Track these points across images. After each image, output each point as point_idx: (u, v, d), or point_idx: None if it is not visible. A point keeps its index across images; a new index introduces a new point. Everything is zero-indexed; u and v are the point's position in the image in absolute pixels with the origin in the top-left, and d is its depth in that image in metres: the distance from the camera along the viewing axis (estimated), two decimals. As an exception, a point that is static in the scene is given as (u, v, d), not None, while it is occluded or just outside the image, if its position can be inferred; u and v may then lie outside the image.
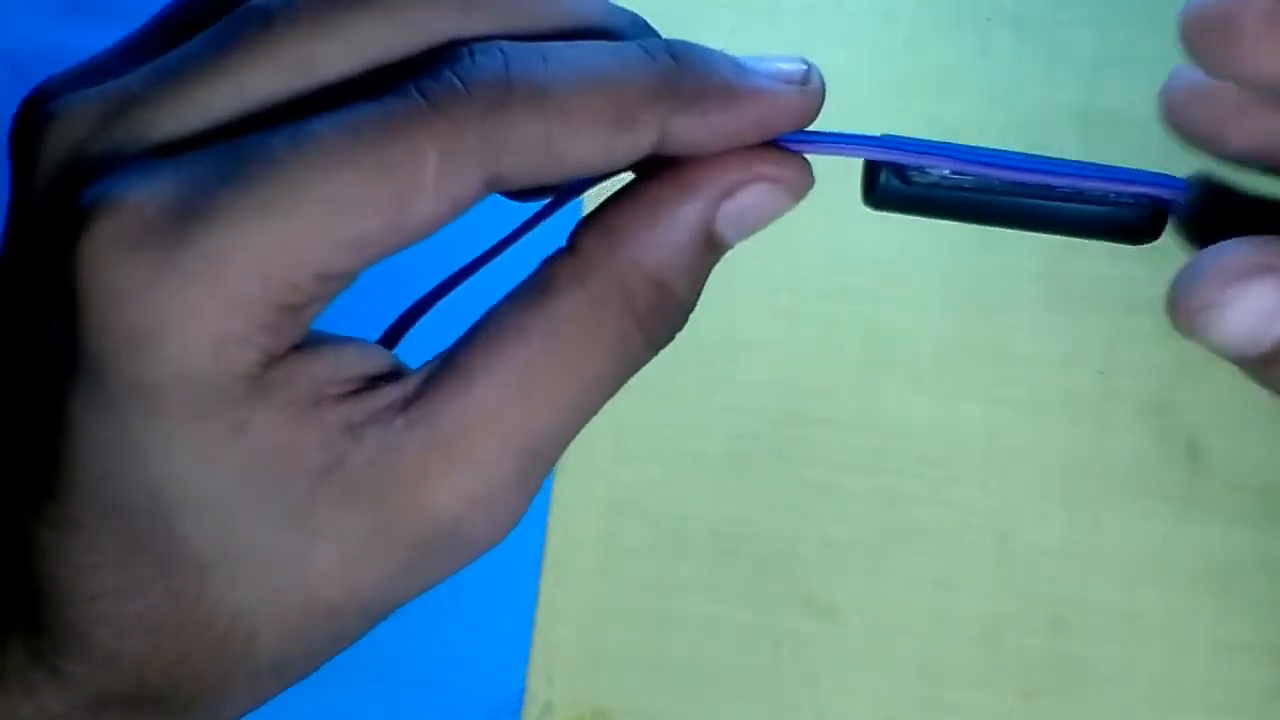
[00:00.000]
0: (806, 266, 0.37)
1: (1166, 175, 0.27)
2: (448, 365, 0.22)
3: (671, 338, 0.23)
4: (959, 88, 0.37)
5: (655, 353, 0.23)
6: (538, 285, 0.22)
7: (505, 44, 0.21)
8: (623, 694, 0.37)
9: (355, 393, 0.22)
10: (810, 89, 0.23)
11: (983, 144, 0.37)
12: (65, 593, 0.23)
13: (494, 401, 0.22)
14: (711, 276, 0.38)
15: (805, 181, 0.24)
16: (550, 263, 0.22)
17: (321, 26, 0.21)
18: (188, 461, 0.22)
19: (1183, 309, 0.21)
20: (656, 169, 0.22)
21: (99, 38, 0.38)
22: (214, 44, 0.22)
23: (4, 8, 0.38)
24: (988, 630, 0.38)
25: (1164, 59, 0.39)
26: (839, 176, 0.39)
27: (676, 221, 0.23)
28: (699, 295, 0.23)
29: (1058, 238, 0.39)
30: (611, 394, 0.23)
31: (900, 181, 0.27)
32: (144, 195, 0.21)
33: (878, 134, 0.25)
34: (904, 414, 0.38)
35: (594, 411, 0.23)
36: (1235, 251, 0.21)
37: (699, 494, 0.38)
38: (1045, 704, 0.38)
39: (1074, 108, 0.37)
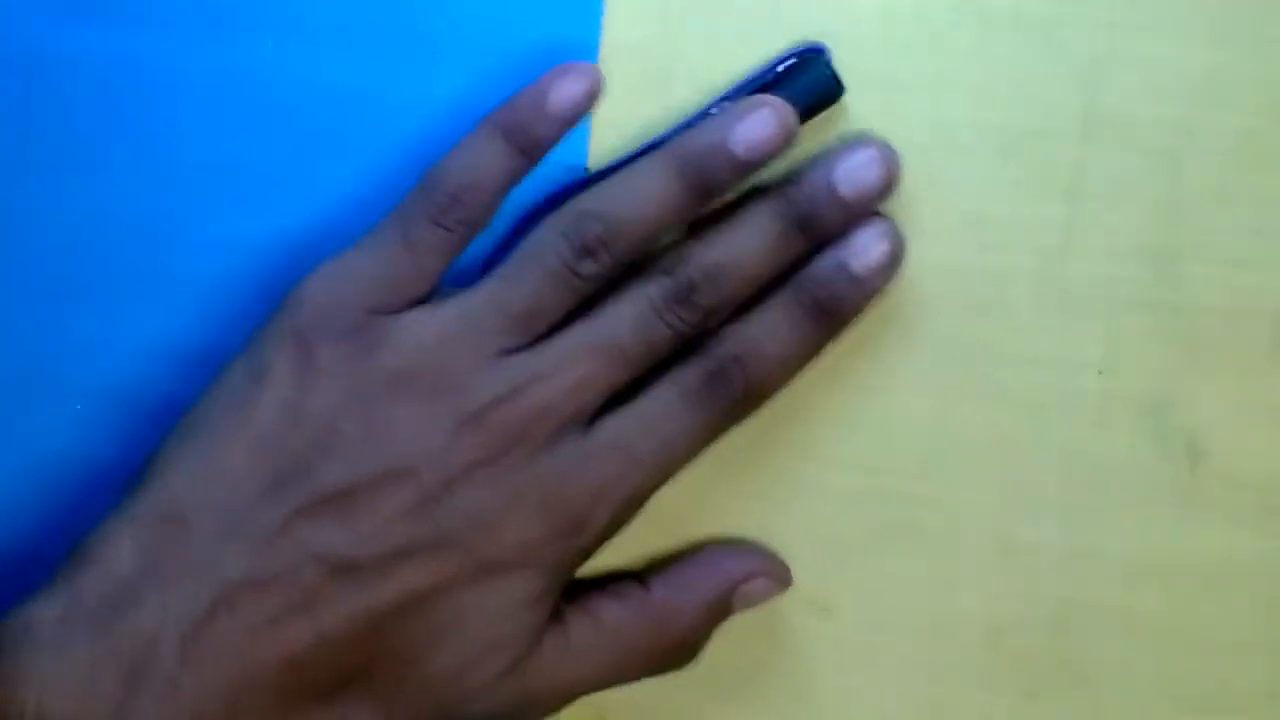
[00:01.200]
0: (806, 266, 0.37)
1: (806, 44, 0.37)
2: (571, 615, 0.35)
3: (671, 670, 0.36)
4: (959, 88, 0.37)
5: (655, 673, 0.36)
6: (621, 606, 0.35)
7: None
8: (623, 694, 0.37)
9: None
10: None
11: (981, 145, 0.39)
12: None
13: (588, 647, 0.35)
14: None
15: (789, 578, 0.37)
16: (631, 594, 0.36)
17: None
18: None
19: None
20: (695, 561, 0.37)
21: (99, 38, 0.39)
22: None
23: (4, 7, 0.38)
24: (988, 630, 0.38)
25: (1165, 59, 0.39)
26: (839, 176, 0.39)
27: (708, 594, 0.36)
28: (705, 644, 0.36)
29: (1055, 241, 0.39)
30: (611, 685, 0.35)
31: None
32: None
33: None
34: (903, 414, 0.38)
35: (609, 683, 0.36)
36: None
37: (699, 493, 0.38)
38: (1045, 704, 0.38)
39: (1074, 108, 0.37)
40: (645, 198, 0.34)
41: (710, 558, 0.36)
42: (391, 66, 0.38)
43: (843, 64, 0.37)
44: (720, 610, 0.36)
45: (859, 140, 0.36)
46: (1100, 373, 0.37)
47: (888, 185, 0.35)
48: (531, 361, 0.34)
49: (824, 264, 0.35)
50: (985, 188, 0.37)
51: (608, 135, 0.38)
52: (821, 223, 0.35)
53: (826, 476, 0.38)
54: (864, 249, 0.35)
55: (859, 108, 0.37)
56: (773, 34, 0.37)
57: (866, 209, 0.35)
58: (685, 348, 0.35)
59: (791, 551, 0.38)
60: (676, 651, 0.36)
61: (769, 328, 0.35)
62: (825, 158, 0.35)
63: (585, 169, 0.37)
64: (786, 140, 0.35)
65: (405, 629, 0.33)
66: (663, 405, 0.34)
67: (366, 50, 0.38)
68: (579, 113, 0.35)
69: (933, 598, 0.38)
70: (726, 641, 0.38)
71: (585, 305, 0.35)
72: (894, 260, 0.35)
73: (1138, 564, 0.38)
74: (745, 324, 0.35)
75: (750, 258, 0.35)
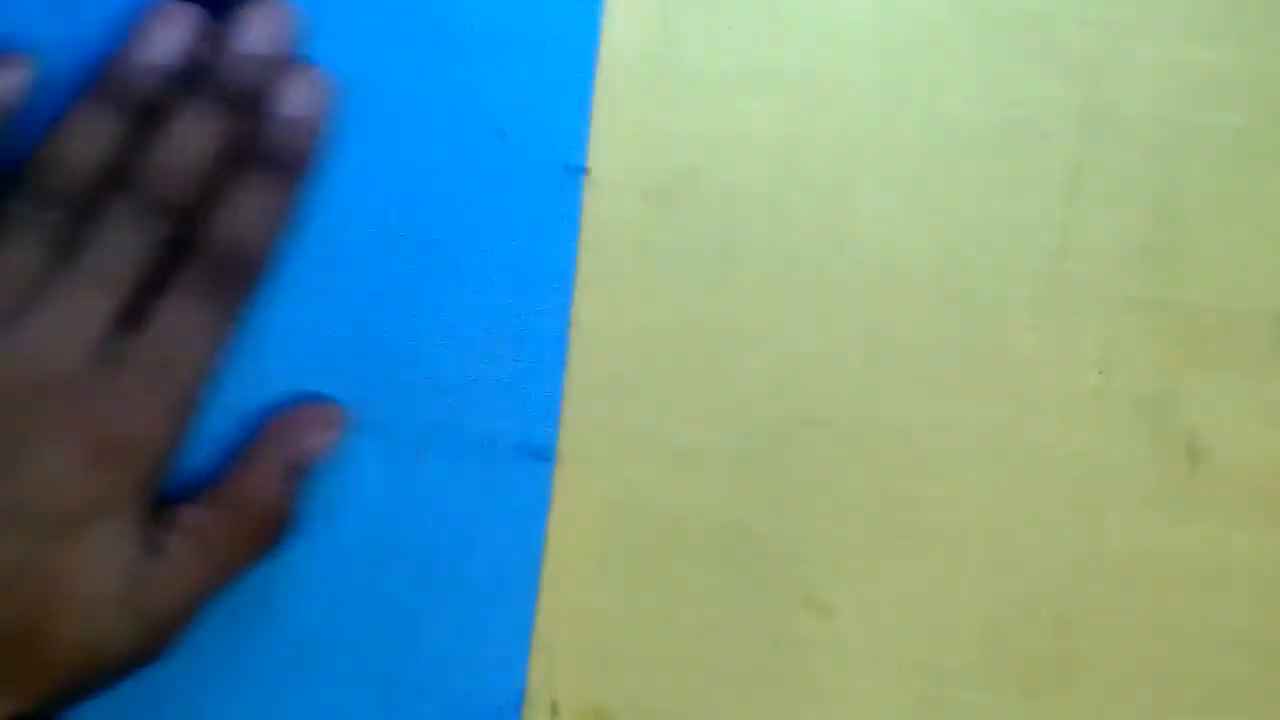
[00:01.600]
0: (806, 266, 0.37)
1: None
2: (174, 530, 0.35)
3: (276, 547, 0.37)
4: (959, 88, 0.37)
5: (262, 555, 0.37)
6: (204, 509, 0.36)
7: None
8: (623, 694, 0.37)
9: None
10: None
11: (981, 145, 0.39)
12: None
13: (188, 559, 0.35)
14: (711, 276, 0.39)
15: (342, 416, 0.37)
16: (209, 494, 0.36)
17: None
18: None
19: None
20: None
21: (97, 36, 0.38)
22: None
23: (4, 7, 0.38)
24: (988, 630, 0.38)
25: (1164, 59, 0.39)
26: (839, 176, 0.39)
27: (274, 464, 0.37)
28: (295, 510, 0.37)
29: (1055, 241, 0.39)
30: (233, 576, 0.36)
31: None
32: None
33: None
34: (904, 414, 0.38)
35: (227, 580, 0.36)
36: None
37: (699, 494, 0.38)
38: (1045, 704, 0.38)
39: (1072, 107, 0.37)
40: (86, 134, 0.36)
41: (267, 430, 0.37)
42: (390, 67, 0.38)
43: (843, 64, 0.37)
44: (292, 473, 0.37)
45: (251, 4, 0.37)
46: (1100, 373, 0.37)
47: (287, 28, 0.37)
48: (33, 316, 0.34)
49: (266, 124, 0.36)
50: (985, 188, 0.37)
51: (607, 135, 0.38)
52: (248, 87, 0.36)
53: (827, 477, 0.38)
54: (294, 95, 0.37)
55: (859, 107, 0.37)
56: (771, 34, 0.37)
57: (281, 58, 0.37)
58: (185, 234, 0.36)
59: (791, 551, 0.38)
60: (267, 529, 0.37)
61: (242, 201, 0.36)
62: (228, 31, 0.37)
63: (585, 169, 0.37)
64: (194, 34, 0.36)
65: (6, 611, 0.33)
66: (174, 312, 0.35)
67: (366, 50, 0.38)
68: (11, 101, 0.36)
69: (933, 598, 0.38)
70: (727, 641, 0.38)
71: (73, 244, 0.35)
72: (323, 94, 0.37)
73: (1137, 564, 0.38)
74: (223, 206, 0.36)
75: (197, 147, 0.36)
